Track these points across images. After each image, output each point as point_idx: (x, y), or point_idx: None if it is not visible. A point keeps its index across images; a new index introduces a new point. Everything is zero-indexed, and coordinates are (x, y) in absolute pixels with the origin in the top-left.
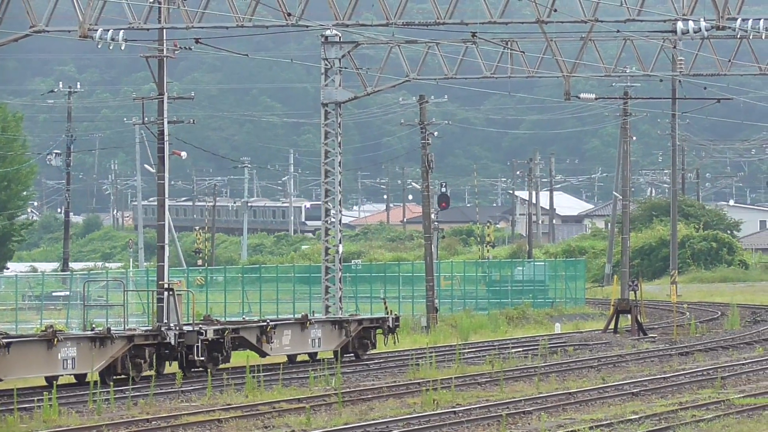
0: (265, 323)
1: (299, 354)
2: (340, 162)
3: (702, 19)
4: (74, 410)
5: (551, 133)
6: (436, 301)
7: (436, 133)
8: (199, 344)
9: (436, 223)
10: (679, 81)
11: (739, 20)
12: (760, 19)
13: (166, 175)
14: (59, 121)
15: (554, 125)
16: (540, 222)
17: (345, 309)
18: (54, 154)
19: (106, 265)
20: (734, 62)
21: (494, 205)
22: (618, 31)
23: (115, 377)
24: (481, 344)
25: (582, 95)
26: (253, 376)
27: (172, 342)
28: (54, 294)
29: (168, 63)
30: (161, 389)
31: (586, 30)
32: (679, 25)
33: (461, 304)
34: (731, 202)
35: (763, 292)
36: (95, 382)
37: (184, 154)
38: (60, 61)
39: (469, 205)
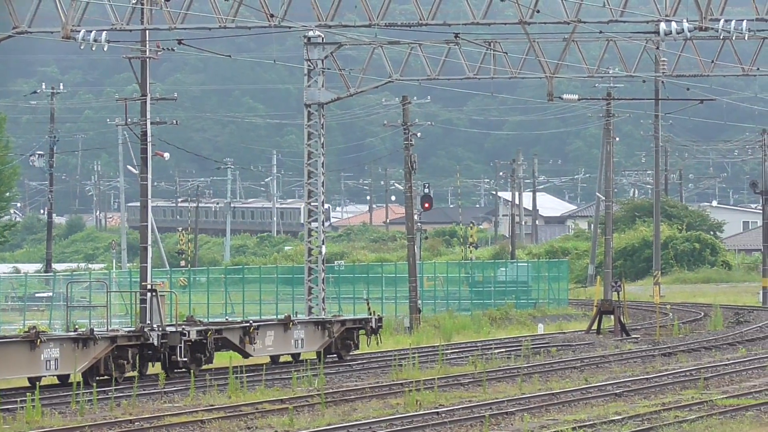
0: (248, 324)
1: (282, 355)
2: (323, 163)
3: (685, 20)
4: (57, 411)
5: (534, 134)
6: (419, 301)
7: (419, 134)
8: (182, 345)
9: (419, 224)
10: (662, 82)
11: (721, 21)
12: (742, 20)
13: (149, 176)
14: (42, 122)
15: (537, 126)
16: (523, 223)
17: (328, 310)
18: (37, 155)
19: (89, 266)
20: (717, 63)
21: (477, 206)
22: (601, 32)
23: (98, 378)
24: (464, 345)
25: (565, 96)
26: (236, 377)
27: (155, 343)
28: (37, 295)
29: (151, 64)
30: (144, 390)
31: (568, 31)
32: (662, 26)
33: (444, 304)
34: (714, 203)
35: (746, 292)
36: (78, 383)
37: (167, 155)
38: (43, 62)
39: (452, 206)
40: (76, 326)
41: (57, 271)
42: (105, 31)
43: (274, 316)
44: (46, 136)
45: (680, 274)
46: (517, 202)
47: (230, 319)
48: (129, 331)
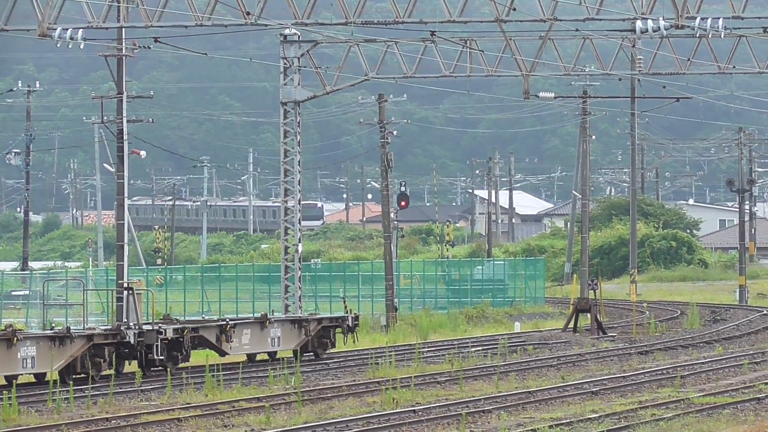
0: (224, 322)
1: (259, 353)
2: (299, 161)
3: (661, 18)
4: (34, 409)
5: (510, 132)
6: (396, 300)
7: (395, 132)
8: (159, 343)
9: (395, 222)
10: (639, 80)
11: (698, 19)
12: (719, 18)
13: (126, 174)
14: (18, 120)
15: (513, 124)
16: (499, 221)
17: (304, 308)
18: (13, 153)
19: (66, 264)
20: (693, 61)
21: (453, 204)
22: (577, 30)
23: (74, 376)
24: (441, 343)
25: (541, 94)
26: (213, 376)
27: (132, 341)
28: (13, 293)
29: (127, 62)
30: (121, 388)
31: (545, 29)
32: (638, 24)
33: (421, 303)
34: (690, 201)
35: (723, 291)
36: (55, 382)
37: (143, 153)
38: (19, 60)
39: (428, 204)
40: (53, 324)
41: (33, 269)
42: (81, 29)
43: (251, 315)
44: (23, 134)
45: (657, 273)
46: (493, 200)
47: (207, 318)
48: (106, 330)
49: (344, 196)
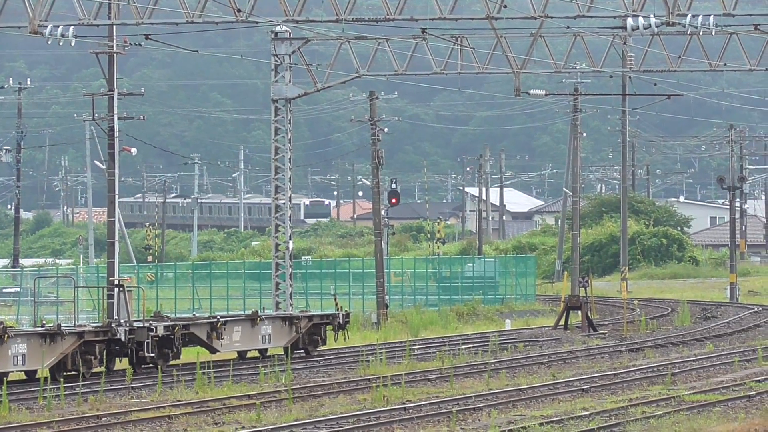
0: (215, 319)
1: (249, 350)
2: (290, 158)
3: (652, 16)
4: (24, 406)
5: (501, 129)
6: (387, 297)
7: (386, 130)
8: (150, 341)
9: (386, 219)
10: (630, 77)
11: (689, 16)
12: (709, 16)
13: (116, 171)
14: (9, 117)
15: (504, 121)
16: (490, 218)
17: (295, 305)
18: (4, 150)
19: (57, 261)
20: (684, 58)
21: (444, 201)
22: (568, 27)
23: (65, 374)
24: (432, 340)
25: (532, 91)
26: (204, 373)
27: (123, 338)
28: (4, 290)
29: (118, 59)
30: (111, 386)
31: (536, 26)
32: (629, 21)
33: (411, 300)
34: (681, 199)
35: (714, 288)
36: (45, 379)
37: (134, 150)
38: (10, 57)
39: (419, 201)
40: (44, 321)
41: (24, 266)
42: (72, 26)
43: (242, 312)
44: (14, 131)
45: (647, 270)
46: (484, 197)
47: (197, 315)
48: (96, 327)
49: (335, 193)
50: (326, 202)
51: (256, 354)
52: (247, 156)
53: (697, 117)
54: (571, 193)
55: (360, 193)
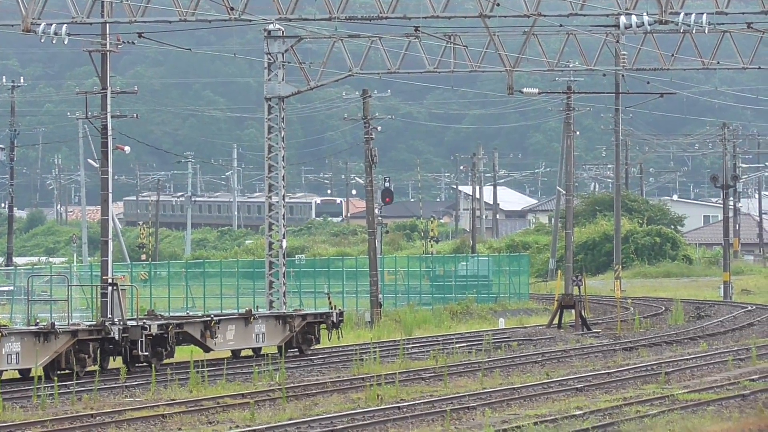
0: (209, 318)
1: (243, 349)
2: (283, 157)
3: (645, 14)
4: (18, 405)
5: (494, 127)
6: (380, 296)
7: (379, 128)
8: (143, 339)
9: (379, 217)
10: (623, 75)
11: (681, 15)
12: (702, 14)
13: (110, 169)
14: (2, 116)
15: (497, 120)
16: (483, 217)
17: (289, 304)
18: None
19: (50, 259)
20: (677, 57)
21: (438, 200)
22: (561, 26)
23: (59, 372)
24: (425, 339)
25: (525, 90)
26: (197, 372)
27: (116, 337)
28: None
29: (111, 57)
30: (105, 384)
31: (528, 24)
32: (622, 19)
33: (405, 299)
34: (675, 197)
35: (707, 287)
36: (39, 377)
37: (127, 148)
38: (2, 56)
39: (412, 200)
40: (37, 320)
41: (18, 264)
42: (65, 24)
43: (235, 310)
44: (7, 129)
45: (641, 269)
46: (477, 196)
47: (191, 314)
48: (90, 326)
49: (328, 191)
50: (338, 200)
51: (250, 353)
52: (241, 154)
53: (690, 115)
54: (564, 192)
55: (353, 192)
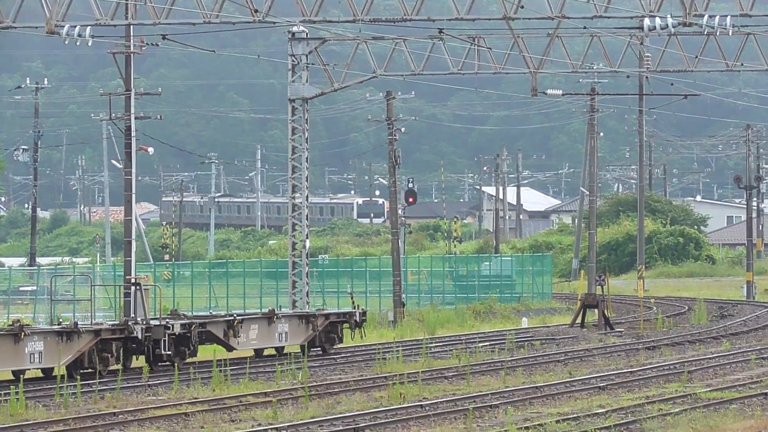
0: (232, 318)
1: (266, 348)
2: (307, 158)
3: (669, 16)
4: (41, 404)
5: (518, 129)
6: (403, 295)
7: (403, 129)
8: (166, 338)
9: (403, 218)
10: (646, 77)
11: (705, 17)
12: (726, 16)
13: (134, 170)
14: (26, 117)
15: (521, 121)
16: (507, 217)
17: (312, 304)
18: (21, 150)
19: (73, 260)
20: (701, 59)
21: (461, 200)
22: (585, 28)
23: (82, 371)
24: (448, 338)
25: (549, 91)
26: (220, 370)
27: (139, 336)
28: (21, 289)
29: (135, 59)
30: (128, 383)
31: (553, 26)
32: (646, 21)
33: (428, 298)
34: (698, 198)
35: (730, 287)
36: (62, 376)
37: (151, 149)
38: (27, 57)
39: (436, 200)
40: (60, 320)
41: (41, 265)
42: (89, 26)
43: (258, 310)
44: (31, 130)
45: (664, 269)
46: (501, 196)
47: (214, 313)
48: (113, 325)
49: (352, 192)
50: (380, 201)
51: (273, 352)
52: (264, 156)
53: (713, 117)
54: (588, 193)
55: (377, 193)
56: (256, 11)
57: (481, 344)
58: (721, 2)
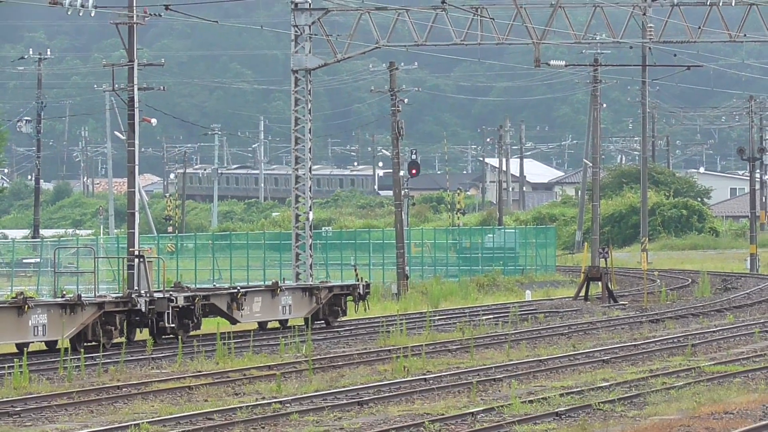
0: (235, 290)
1: (270, 321)
2: (310, 129)
3: None
4: (45, 377)
5: (521, 100)
6: (407, 268)
7: (406, 100)
8: (170, 311)
9: (406, 190)
10: (649, 48)
11: None
12: None
13: (137, 142)
14: (29, 88)
15: (524, 92)
16: (510, 189)
17: (315, 276)
18: (24, 121)
19: (77, 232)
20: (704, 29)
21: (464, 172)
22: None
23: (85, 344)
24: (452, 311)
25: (552, 62)
26: (224, 343)
27: (143, 309)
28: (24, 261)
29: (138, 30)
30: (132, 356)
31: None
32: None
33: (431, 271)
34: (701, 170)
35: (734, 259)
36: (66, 349)
37: (154, 121)
38: (30, 28)
39: (439, 172)
40: (64, 292)
41: (44, 237)
42: None
43: (262, 283)
44: (34, 101)
45: (667, 241)
46: (504, 168)
47: (218, 285)
48: (116, 297)
49: (355, 163)
50: (402, 173)
51: (277, 325)
52: (267, 127)
53: (716, 88)
54: (591, 164)
55: (380, 164)
56: None
57: (484, 317)
58: None
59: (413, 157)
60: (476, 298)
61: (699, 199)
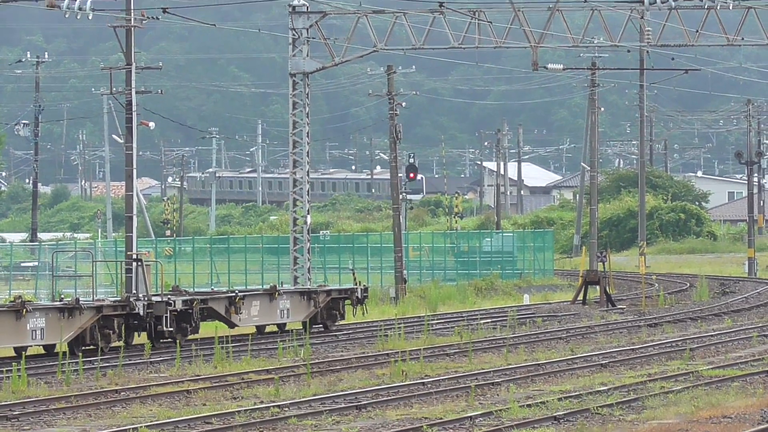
0: (233, 294)
1: (268, 325)
2: (307, 132)
3: None
4: (43, 381)
5: (519, 103)
6: (405, 272)
7: (403, 104)
8: (168, 315)
9: (404, 193)
10: (647, 52)
11: None
12: None
13: (134, 145)
14: (27, 91)
15: (522, 96)
16: (508, 193)
17: (313, 280)
18: (22, 124)
19: (75, 235)
20: (702, 33)
21: (462, 176)
22: (585, 1)
23: (83, 348)
24: (450, 315)
25: (549, 66)
26: (222, 347)
27: (141, 313)
28: (22, 264)
29: (136, 33)
30: (130, 360)
31: (553, 0)
32: None
33: (429, 275)
34: (699, 173)
35: (732, 263)
36: (64, 353)
37: (152, 124)
38: (27, 31)
39: (437, 176)
40: (62, 296)
41: (42, 240)
42: (89, 0)
43: (260, 286)
44: (31, 105)
45: (665, 245)
46: (502, 172)
47: (216, 289)
48: (115, 301)
49: (353, 167)
50: (418, 176)
51: (275, 328)
52: (265, 130)
53: (714, 92)
54: (588, 168)
55: (378, 168)
56: None
57: (482, 321)
58: None
59: (411, 160)
60: (474, 301)
61: (697, 203)
